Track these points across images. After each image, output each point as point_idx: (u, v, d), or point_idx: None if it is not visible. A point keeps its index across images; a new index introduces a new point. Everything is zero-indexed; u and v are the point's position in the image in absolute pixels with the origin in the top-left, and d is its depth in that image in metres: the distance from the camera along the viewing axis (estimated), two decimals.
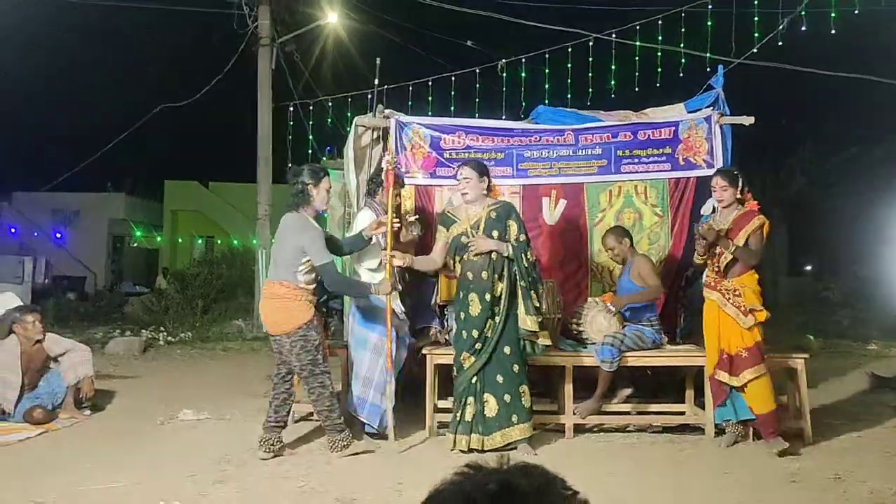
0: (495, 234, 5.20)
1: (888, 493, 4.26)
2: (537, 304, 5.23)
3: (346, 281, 5.38)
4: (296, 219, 5.11)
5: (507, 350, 5.15)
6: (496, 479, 0.98)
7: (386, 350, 5.37)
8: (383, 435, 5.41)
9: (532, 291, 5.19)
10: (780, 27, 9.90)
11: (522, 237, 5.25)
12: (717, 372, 5.29)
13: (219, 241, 26.63)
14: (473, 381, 5.13)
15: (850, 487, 4.39)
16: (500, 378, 5.12)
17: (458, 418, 5.16)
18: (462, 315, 5.23)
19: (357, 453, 5.05)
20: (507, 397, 5.10)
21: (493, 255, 5.17)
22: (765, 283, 5.65)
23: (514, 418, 5.10)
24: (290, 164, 5.83)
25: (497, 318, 5.14)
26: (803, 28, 9.82)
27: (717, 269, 5.37)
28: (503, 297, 5.15)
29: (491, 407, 5.10)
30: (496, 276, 5.16)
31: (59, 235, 26.53)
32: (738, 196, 5.43)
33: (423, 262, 5.57)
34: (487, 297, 5.13)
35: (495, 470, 1.02)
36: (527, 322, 5.16)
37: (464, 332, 5.20)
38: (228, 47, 14.59)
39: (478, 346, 5.13)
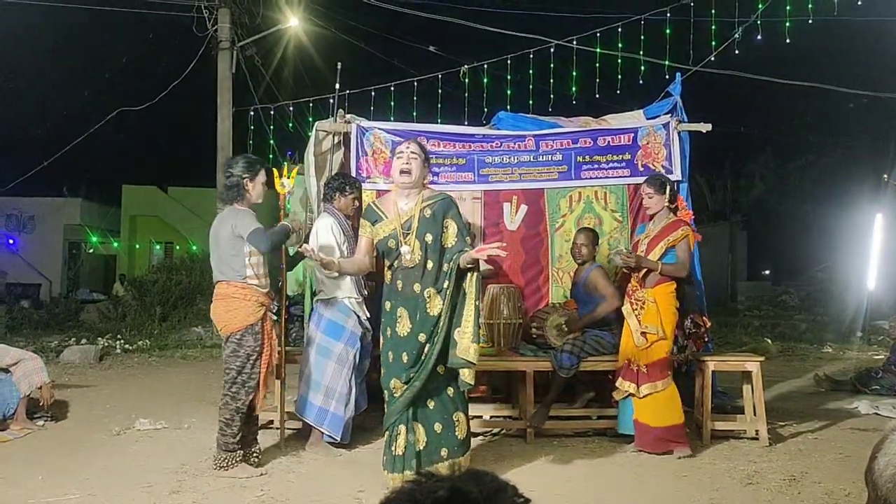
0: (429, 237, 4.35)
1: (842, 494, 4.34)
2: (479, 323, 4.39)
3: (271, 233, 4.83)
4: (227, 211, 4.90)
5: (440, 369, 4.34)
6: (446, 486, 0.97)
7: (349, 360, 5.33)
8: (344, 445, 5.38)
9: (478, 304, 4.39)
10: (735, 35, 10.08)
11: (468, 238, 4.46)
12: (619, 380, 5.36)
13: (178, 247, 26.22)
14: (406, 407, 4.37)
15: (805, 489, 4.47)
16: (431, 403, 4.37)
17: (391, 452, 4.38)
18: (389, 332, 4.39)
19: (238, 478, 4.63)
20: (437, 427, 4.36)
21: (429, 265, 4.34)
22: (690, 290, 5.70)
23: (444, 452, 4.38)
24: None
25: (434, 344, 4.28)
26: (759, 37, 10.01)
27: (637, 278, 5.40)
28: (442, 316, 4.29)
29: (420, 439, 4.35)
30: (432, 289, 4.32)
31: (11, 241, 25.92)
32: (668, 204, 5.43)
33: (350, 264, 4.68)
34: (418, 315, 4.29)
35: (446, 477, 1.01)
36: (469, 351, 4.25)
37: (391, 353, 4.36)
38: (188, 50, 14.44)
39: (412, 373, 4.29)
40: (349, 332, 5.41)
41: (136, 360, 10.78)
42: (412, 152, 4.43)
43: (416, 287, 4.33)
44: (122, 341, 12.27)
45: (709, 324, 5.88)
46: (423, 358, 4.29)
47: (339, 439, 5.34)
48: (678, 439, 5.23)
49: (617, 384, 5.44)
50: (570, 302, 6.25)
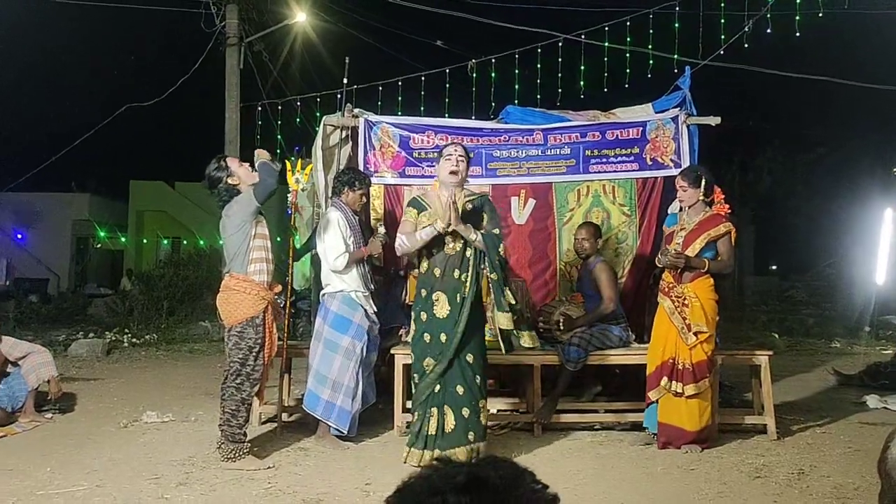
0: (471, 235, 4.74)
1: (850, 487, 4.32)
2: (513, 302, 4.80)
3: (261, 174, 4.88)
4: (227, 206, 4.93)
5: (469, 358, 4.67)
6: (465, 472, 0.97)
7: (356, 354, 5.33)
8: (351, 438, 5.39)
9: (505, 287, 4.77)
10: (745, 27, 10.03)
11: (497, 231, 4.81)
12: (663, 378, 5.20)
13: (185, 242, 26.28)
14: (437, 389, 4.64)
15: (814, 482, 4.45)
16: (460, 389, 4.64)
17: (417, 430, 4.69)
18: (424, 316, 4.73)
19: (245, 470, 4.65)
20: (465, 412, 4.63)
21: (468, 252, 4.72)
22: (729, 283, 5.63)
23: (471, 436, 4.64)
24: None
25: (461, 321, 4.64)
26: (768, 30, 9.96)
27: (673, 273, 5.31)
28: (469, 297, 4.68)
29: (449, 421, 4.62)
30: (466, 273, 4.72)
31: (20, 236, 26.03)
32: (703, 198, 5.35)
33: (412, 245, 4.79)
34: (458, 297, 4.68)
35: (464, 463, 1.01)
36: (501, 321, 4.76)
37: (427, 335, 4.70)
38: (196, 46, 14.45)
39: (445, 350, 4.66)
40: (356, 326, 5.40)
41: (144, 354, 10.83)
42: (460, 155, 4.83)
43: (456, 273, 4.72)
44: (129, 335, 12.32)
45: (717, 318, 5.85)
46: (455, 331, 4.63)
47: (346, 433, 5.35)
48: (710, 438, 5.22)
49: (661, 384, 5.19)
50: (577, 296, 6.25)
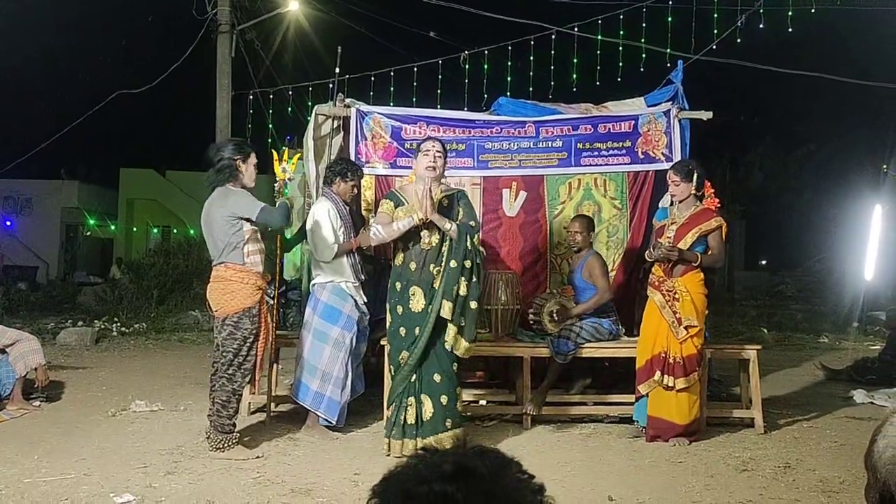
0: (446, 224, 4.77)
1: (836, 481, 4.35)
2: (463, 293, 4.66)
3: (279, 209, 5.00)
4: (219, 192, 4.86)
5: (447, 344, 4.76)
6: (451, 461, 0.97)
7: (346, 344, 5.33)
8: (340, 428, 5.40)
9: (462, 278, 4.66)
10: (738, 22, 10.05)
11: (473, 223, 4.87)
12: (656, 372, 5.22)
13: (175, 231, 26.18)
14: (413, 379, 4.75)
15: (800, 476, 4.48)
16: (438, 377, 4.75)
17: (394, 420, 4.78)
18: (400, 309, 4.80)
19: (234, 459, 4.65)
20: (443, 399, 4.74)
21: (444, 249, 4.75)
22: (717, 278, 5.65)
23: (448, 423, 4.76)
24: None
25: (433, 312, 4.68)
26: (761, 25, 9.97)
27: (664, 267, 5.32)
28: (441, 289, 4.70)
29: (427, 409, 4.73)
30: (440, 268, 4.73)
31: (9, 224, 25.87)
32: (695, 192, 5.37)
33: (389, 233, 4.87)
34: (432, 291, 4.73)
35: (451, 452, 1.01)
36: (444, 308, 4.63)
37: (402, 328, 4.78)
38: (187, 33, 14.34)
39: (418, 342, 4.74)
40: (346, 317, 5.41)
41: (133, 343, 10.78)
42: (437, 151, 4.86)
43: (432, 266, 4.76)
44: (118, 324, 12.27)
45: (706, 312, 5.87)
46: (427, 321, 4.68)
47: (335, 423, 5.35)
48: (698, 431, 5.24)
49: (655, 378, 5.21)
50: (568, 289, 6.25)
